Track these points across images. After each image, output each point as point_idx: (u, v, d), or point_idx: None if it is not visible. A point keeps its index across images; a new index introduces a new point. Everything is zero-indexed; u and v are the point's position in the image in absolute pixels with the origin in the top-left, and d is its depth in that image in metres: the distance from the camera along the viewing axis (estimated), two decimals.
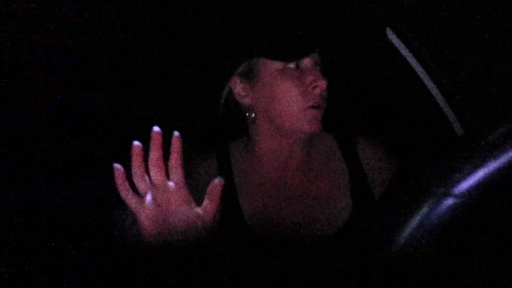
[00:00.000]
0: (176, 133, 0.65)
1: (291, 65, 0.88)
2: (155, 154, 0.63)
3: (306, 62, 0.90)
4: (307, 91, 0.87)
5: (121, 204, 1.21)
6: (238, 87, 0.93)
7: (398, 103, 1.19)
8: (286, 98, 0.88)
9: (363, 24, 1.08)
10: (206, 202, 0.66)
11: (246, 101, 0.93)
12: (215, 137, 1.02)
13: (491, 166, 0.37)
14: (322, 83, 0.86)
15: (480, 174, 0.36)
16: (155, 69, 1.24)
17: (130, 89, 1.25)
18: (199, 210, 0.66)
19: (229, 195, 0.91)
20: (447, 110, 1.06)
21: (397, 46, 1.05)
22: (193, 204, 0.66)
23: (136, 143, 0.62)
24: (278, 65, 0.89)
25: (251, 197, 0.93)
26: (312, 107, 0.87)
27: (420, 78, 1.06)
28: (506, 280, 0.41)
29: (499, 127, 0.38)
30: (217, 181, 0.67)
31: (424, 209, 0.37)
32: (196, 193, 0.91)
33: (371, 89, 1.20)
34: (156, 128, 0.64)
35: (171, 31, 1.17)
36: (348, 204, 0.91)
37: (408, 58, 1.05)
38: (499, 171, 0.37)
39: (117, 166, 0.62)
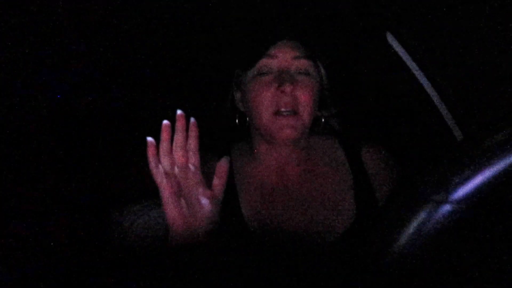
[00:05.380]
0: (192, 119, 0.71)
1: (262, 71, 0.90)
2: (179, 136, 0.69)
3: (276, 67, 0.90)
4: (276, 96, 0.88)
5: (120, 204, 1.21)
6: (235, 95, 0.99)
7: (398, 107, 1.19)
8: (258, 103, 0.89)
9: (363, 28, 1.08)
10: (215, 180, 0.73)
11: (241, 108, 0.98)
12: (217, 140, 1.03)
13: (488, 173, 0.37)
14: (285, 87, 0.86)
15: (477, 180, 0.37)
16: (158, 72, 1.25)
17: (132, 91, 1.25)
18: (210, 190, 0.72)
19: (229, 197, 0.91)
20: (446, 114, 1.07)
21: (397, 50, 1.06)
22: (205, 185, 0.72)
23: (165, 122, 0.69)
24: (251, 72, 0.91)
25: (251, 199, 0.92)
26: (281, 112, 0.87)
27: (420, 82, 1.06)
28: (504, 281, 0.41)
29: (495, 133, 0.38)
30: (224, 160, 0.73)
31: (422, 216, 0.37)
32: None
33: (370, 93, 1.20)
34: (179, 111, 0.69)
35: (174, 35, 1.18)
36: (352, 209, 0.90)
37: (408, 63, 1.06)
38: (496, 177, 0.37)
39: (150, 139, 0.69)
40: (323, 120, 0.99)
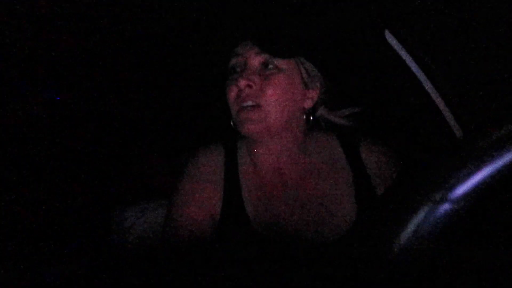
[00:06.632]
0: None
1: (231, 70, 0.94)
2: None
3: (243, 64, 0.93)
4: (239, 93, 0.90)
5: (121, 206, 1.21)
6: None
7: (397, 106, 1.19)
8: (228, 101, 0.93)
9: (362, 26, 1.08)
10: None
11: None
12: (225, 132, 1.03)
13: (487, 171, 0.37)
14: (238, 82, 0.89)
15: (475, 179, 0.37)
16: (157, 74, 1.25)
17: (133, 93, 1.25)
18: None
19: (233, 192, 0.92)
20: (446, 112, 1.06)
21: (396, 48, 1.05)
22: None
23: None
24: (227, 72, 0.95)
25: (253, 196, 0.92)
26: (245, 107, 0.89)
27: (419, 80, 1.06)
28: (505, 279, 0.41)
29: (493, 132, 0.38)
30: None
31: (421, 215, 0.37)
32: (200, 182, 0.93)
33: (369, 91, 1.20)
34: None
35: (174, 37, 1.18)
36: (352, 208, 0.90)
37: (406, 60, 1.05)
38: (494, 176, 0.37)
39: None
40: (311, 118, 0.99)
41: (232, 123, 0.96)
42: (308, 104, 0.96)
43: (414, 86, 1.07)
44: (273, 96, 0.89)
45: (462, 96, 1.03)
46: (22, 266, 1.03)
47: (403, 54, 1.06)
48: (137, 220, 1.14)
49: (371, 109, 1.22)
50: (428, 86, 1.05)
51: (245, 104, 0.89)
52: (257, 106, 0.89)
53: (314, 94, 0.97)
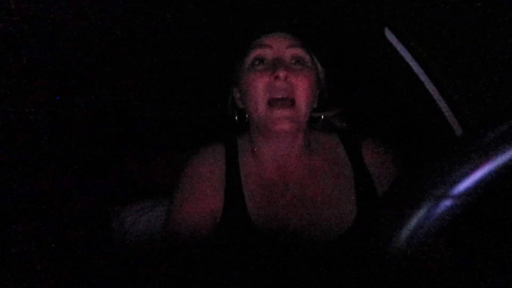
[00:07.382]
0: None
1: (257, 61, 0.89)
2: None
3: (270, 56, 0.89)
4: (271, 84, 0.86)
5: (121, 204, 1.21)
6: (235, 93, 0.98)
7: (397, 103, 1.19)
8: (253, 93, 0.88)
9: (361, 24, 1.08)
10: None
11: (240, 105, 0.97)
12: (224, 130, 1.02)
13: (488, 167, 0.37)
14: (279, 72, 0.84)
15: (477, 175, 0.37)
16: (157, 72, 1.25)
17: (134, 92, 1.25)
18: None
19: (235, 190, 0.92)
20: (446, 110, 1.06)
21: (396, 46, 1.05)
22: None
23: None
24: (247, 63, 0.91)
25: (255, 194, 0.92)
26: (277, 101, 0.86)
27: (419, 77, 1.06)
28: (506, 278, 0.41)
29: (494, 128, 0.38)
30: None
31: (423, 211, 0.37)
32: (201, 181, 0.92)
33: (369, 89, 1.20)
34: None
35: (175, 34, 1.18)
36: (353, 208, 0.90)
37: (406, 58, 1.05)
38: (496, 172, 0.37)
39: None
40: (322, 117, 0.99)
41: (236, 118, 0.95)
42: (315, 103, 0.96)
43: (414, 84, 1.07)
44: (304, 92, 0.87)
45: (462, 94, 1.03)
46: (22, 267, 1.03)
47: (403, 51, 1.06)
48: (137, 219, 1.14)
49: (371, 108, 1.22)
50: (428, 83, 1.05)
51: (279, 96, 0.86)
52: (290, 101, 0.86)
53: (317, 94, 0.97)
